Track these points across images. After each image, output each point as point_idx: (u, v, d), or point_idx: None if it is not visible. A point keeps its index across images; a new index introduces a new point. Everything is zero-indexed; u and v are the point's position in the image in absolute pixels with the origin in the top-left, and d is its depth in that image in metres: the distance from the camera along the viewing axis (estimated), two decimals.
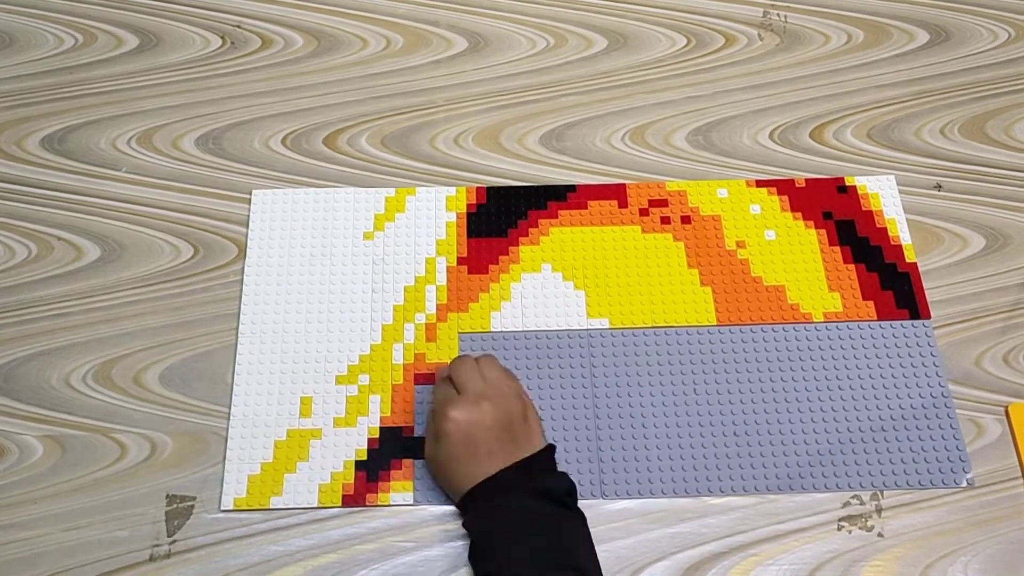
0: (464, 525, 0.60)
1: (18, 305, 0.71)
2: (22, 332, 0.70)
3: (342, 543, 0.62)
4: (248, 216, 0.75)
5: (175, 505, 0.63)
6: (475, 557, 0.58)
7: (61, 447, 0.65)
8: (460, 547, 0.62)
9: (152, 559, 0.61)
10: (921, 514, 0.63)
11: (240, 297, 0.71)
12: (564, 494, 0.59)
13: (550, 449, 0.62)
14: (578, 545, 0.58)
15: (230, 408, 0.66)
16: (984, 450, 0.66)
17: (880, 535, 0.63)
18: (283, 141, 0.79)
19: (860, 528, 0.63)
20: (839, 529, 0.63)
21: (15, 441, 0.65)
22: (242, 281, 0.72)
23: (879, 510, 0.64)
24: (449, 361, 0.65)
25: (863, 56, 0.85)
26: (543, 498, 0.58)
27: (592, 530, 0.62)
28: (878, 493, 0.64)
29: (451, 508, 0.63)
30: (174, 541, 0.62)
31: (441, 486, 0.63)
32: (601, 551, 0.61)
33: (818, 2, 0.89)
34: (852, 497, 0.64)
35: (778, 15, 0.88)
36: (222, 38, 0.86)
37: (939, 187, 0.78)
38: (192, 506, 0.63)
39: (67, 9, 0.87)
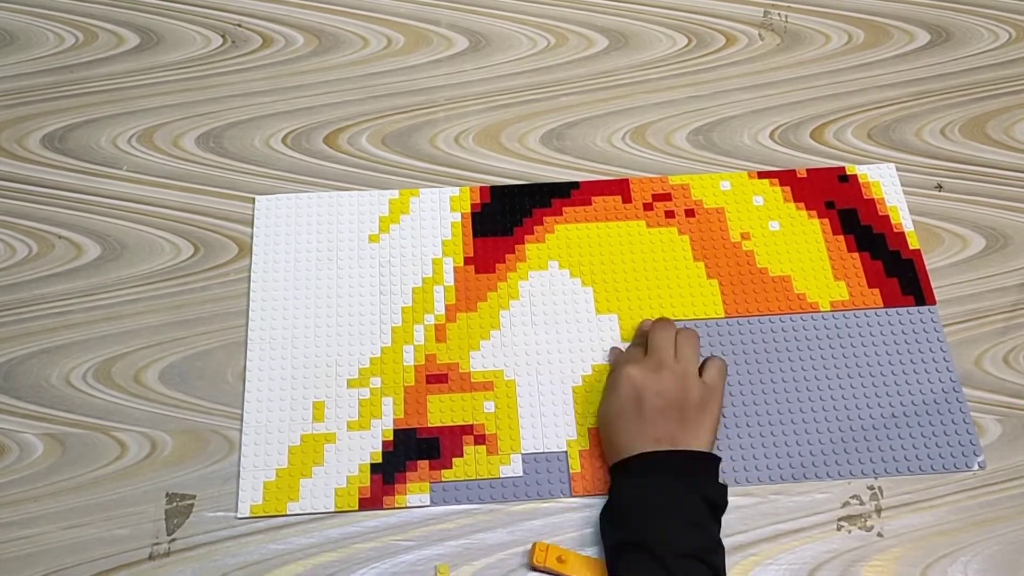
0: (612, 489, 0.59)
1: (18, 303, 0.71)
2: (22, 330, 0.70)
3: (341, 542, 0.62)
4: (249, 216, 0.75)
5: (175, 504, 0.63)
6: (612, 521, 0.58)
7: (61, 445, 0.65)
8: (460, 546, 0.62)
9: (152, 557, 0.61)
10: (921, 514, 0.63)
11: (247, 298, 0.71)
12: (721, 506, 0.58)
13: (717, 460, 0.60)
14: (717, 556, 0.56)
15: (242, 416, 0.66)
16: (984, 451, 0.66)
17: (880, 535, 0.63)
18: (283, 140, 0.79)
19: (860, 528, 0.63)
20: (839, 529, 0.63)
21: (15, 439, 0.65)
22: (248, 287, 0.72)
23: (879, 510, 0.64)
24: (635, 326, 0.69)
25: (863, 56, 0.85)
26: (701, 500, 0.57)
27: (592, 531, 0.62)
28: (878, 492, 0.64)
29: (453, 508, 0.63)
30: (174, 540, 0.62)
31: (603, 441, 0.63)
32: (601, 551, 0.61)
33: (819, 2, 0.89)
34: (852, 497, 0.64)
35: (779, 15, 0.88)
36: (223, 37, 0.86)
37: (940, 187, 0.78)
38: (192, 505, 0.63)
39: (68, 7, 0.87)
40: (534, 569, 0.60)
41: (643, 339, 0.65)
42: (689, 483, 0.57)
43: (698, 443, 0.59)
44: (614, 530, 0.58)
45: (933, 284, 0.72)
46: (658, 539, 0.55)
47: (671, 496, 0.56)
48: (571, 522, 0.63)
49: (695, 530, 0.56)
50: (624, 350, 0.67)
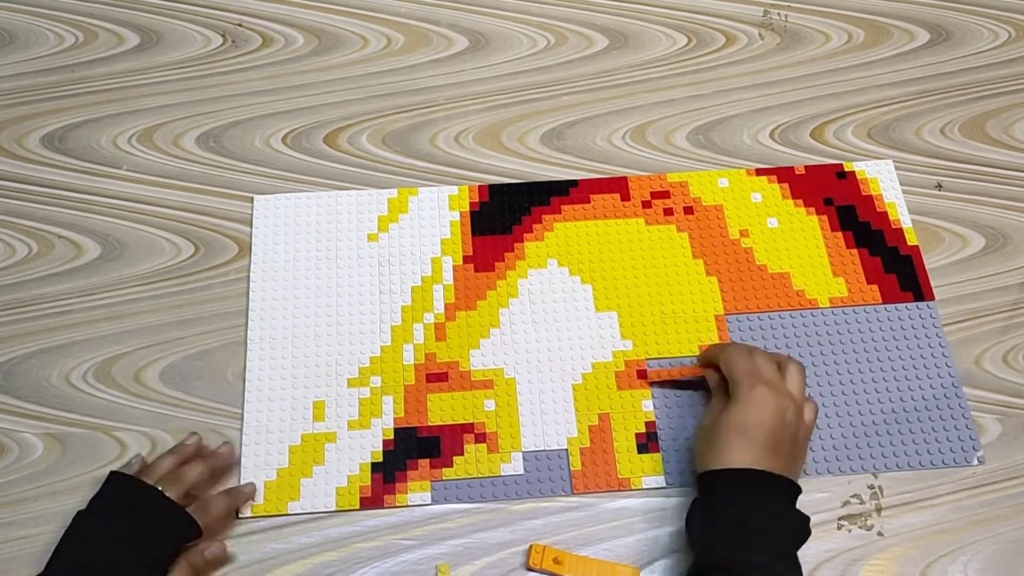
0: (718, 498, 0.57)
1: (19, 303, 0.71)
2: (23, 330, 0.70)
3: (342, 541, 0.62)
4: (249, 215, 0.75)
5: None
6: (709, 535, 0.56)
7: (61, 445, 0.65)
8: (460, 545, 0.62)
9: None
10: (921, 513, 0.64)
11: (246, 298, 0.71)
12: (806, 537, 0.57)
13: (800, 491, 0.58)
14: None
15: (243, 415, 0.66)
16: (984, 450, 0.66)
17: (880, 534, 0.63)
18: (284, 140, 0.79)
19: (860, 527, 0.63)
20: (839, 528, 0.63)
21: (15, 439, 0.65)
22: (247, 287, 0.72)
23: (879, 509, 0.64)
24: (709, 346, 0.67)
25: (863, 55, 0.85)
26: (794, 531, 0.56)
27: (593, 529, 0.62)
28: (878, 491, 0.64)
29: (454, 507, 0.63)
30: None
31: (708, 444, 0.59)
32: (601, 550, 0.61)
33: (819, 1, 0.89)
34: (852, 496, 0.64)
35: (779, 14, 0.88)
36: (223, 36, 0.86)
37: (939, 187, 0.78)
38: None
39: (68, 7, 0.87)
40: (530, 571, 0.61)
41: (763, 355, 0.62)
42: (791, 511, 0.57)
43: (795, 473, 0.59)
44: (706, 547, 0.56)
45: (933, 283, 0.72)
46: (755, 569, 0.54)
47: (775, 523, 0.56)
48: (571, 521, 0.63)
49: (787, 562, 0.55)
50: (751, 358, 0.61)
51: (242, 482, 0.64)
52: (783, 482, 0.57)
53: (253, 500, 0.63)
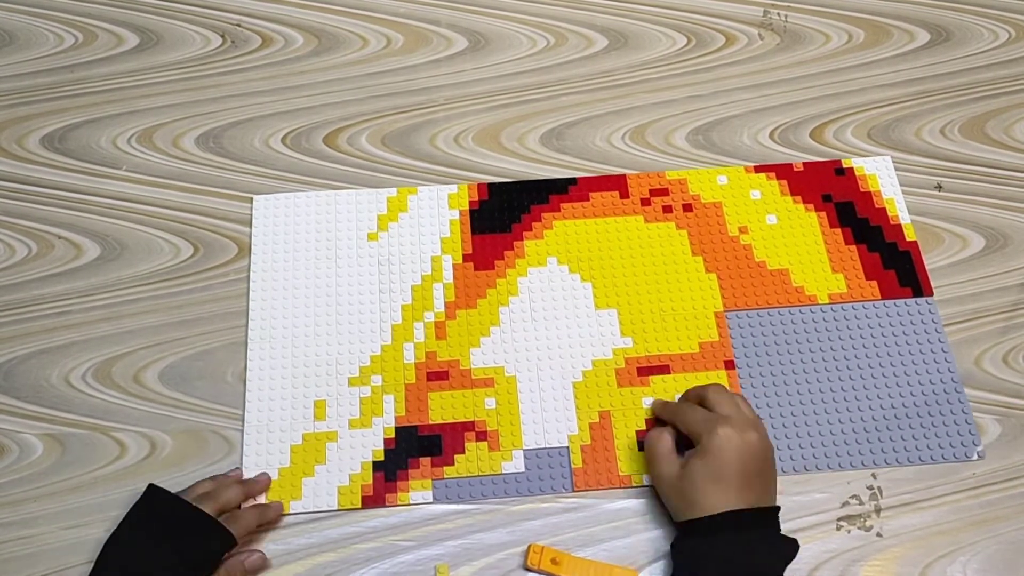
0: (687, 546, 0.58)
1: (18, 303, 0.71)
2: (22, 330, 0.70)
3: (341, 542, 0.62)
4: (248, 216, 0.75)
5: None
6: (693, 568, 0.57)
7: (61, 445, 0.65)
8: (459, 546, 0.62)
9: None
10: (920, 514, 0.63)
11: (246, 298, 0.71)
12: (790, 558, 0.58)
13: (779, 509, 0.60)
14: None
15: (243, 416, 0.66)
16: (984, 450, 0.66)
17: (879, 535, 0.63)
18: (283, 140, 0.79)
19: (859, 528, 0.63)
20: (838, 529, 0.63)
21: (15, 439, 0.65)
22: (247, 287, 0.72)
23: (878, 510, 0.64)
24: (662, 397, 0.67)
25: (863, 56, 0.85)
26: (779, 558, 0.57)
27: (592, 530, 0.62)
28: (877, 492, 0.64)
29: (453, 508, 0.63)
30: None
31: (679, 500, 0.59)
32: (601, 551, 0.61)
33: (819, 1, 0.89)
34: (851, 497, 0.64)
35: (778, 14, 0.88)
36: (222, 37, 0.86)
37: (939, 187, 0.78)
38: None
39: (68, 7, 0.87)
40: (528, 571, 0.61)
41: (696, 399, 0.63)
42: (775, 537, 0.58)
43: (771, 496, 0.60)
44: None
45: (933, 284, 0.72)
46: None
47: (761, 554, 0.56)
48: (570, 522, 0.63)
49: None
50: (694, 408, 0.62)
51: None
52: (761, 513, 0.58)
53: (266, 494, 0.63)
